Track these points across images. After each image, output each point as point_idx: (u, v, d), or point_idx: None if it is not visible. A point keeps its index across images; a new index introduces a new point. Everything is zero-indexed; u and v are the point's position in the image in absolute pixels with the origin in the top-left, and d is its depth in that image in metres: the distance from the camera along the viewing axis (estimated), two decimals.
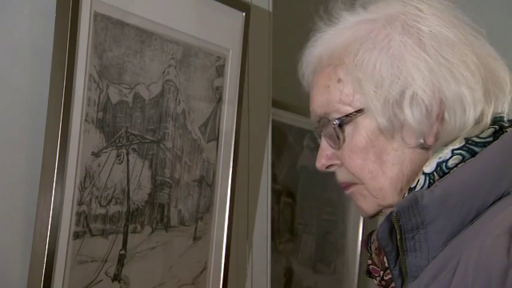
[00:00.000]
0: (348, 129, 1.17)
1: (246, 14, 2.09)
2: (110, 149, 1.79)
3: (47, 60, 1.67)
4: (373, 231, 1.22)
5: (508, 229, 0.97)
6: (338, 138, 1.17)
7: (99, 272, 1.77)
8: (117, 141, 1.80)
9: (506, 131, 1.13)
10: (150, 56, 1.84)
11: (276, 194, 2.51)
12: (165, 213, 1.92)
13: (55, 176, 1.65)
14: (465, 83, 1.09)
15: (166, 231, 1.91)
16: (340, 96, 1.16)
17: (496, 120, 1.13)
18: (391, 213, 1.08)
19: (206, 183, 2.03)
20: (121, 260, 1.82)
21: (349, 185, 1.21)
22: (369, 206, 1.20)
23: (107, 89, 1.77)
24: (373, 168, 1.16)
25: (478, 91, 1.09)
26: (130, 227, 1.84)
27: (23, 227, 1.67)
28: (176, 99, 1.92)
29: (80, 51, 1.69)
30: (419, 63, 1.10)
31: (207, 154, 2.02)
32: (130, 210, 1.83)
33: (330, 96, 1.17)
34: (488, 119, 1.10)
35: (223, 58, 2.04)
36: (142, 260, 1.85)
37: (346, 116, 1.16)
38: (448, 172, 1.10)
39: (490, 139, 1.10)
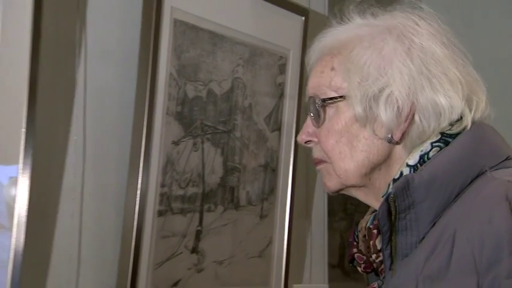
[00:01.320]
0: (329, 111, 1.17)
1: (305, 18, 2.12)
2: (188, 138, 1.82)
3: (134, 61, 1.73)
4: (357, 222, 1.21)
5: (505, 197, 1.00)
6: (319, 117, 1.17)
7: (179, 245, 1.80)
8: (193, 132, 1.83)
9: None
10: (221, 56, 1.87)
11: None
12: (235, 194, 1.94)
13: (141, 162, 1.69)
14: (442, 92, 1.10)
15: (236, 210, 1.94)
16: (330, 82, 1.16)
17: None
18: (389, 194, 1.08)
19: (270, 168, 2.05)
20: (198, 235, 1.85)
21: (320, 161, 1.20)
22: (333, 183, 1.19)
23: (185, 85, 1.80)
24: (343, 151, 1.16)
25: (456, 99, 1.10)
26: (205, 207, 1.87)
27: (115, 206, 1.72)
28: (244, 94, 1.95)
29: (161, 53, 1.73)
30: (403, 69, 1.11)
31: (271, 142, 2.04)
32: (205, 191, 1.86)
33: (321, 80, 1.18)
34: (468, 121, 1.11)
35: (285, 57, 2.07)
36: (216, 235, 1.88)
37: (330, 98, 1.17)
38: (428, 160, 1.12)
39: (461, 130, 1.11)
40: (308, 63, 1.25)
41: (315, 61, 1.22)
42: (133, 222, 1.69)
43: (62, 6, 1.63)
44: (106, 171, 1.73)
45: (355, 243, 1.18)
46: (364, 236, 1.15)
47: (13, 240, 1.45)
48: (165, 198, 1.78)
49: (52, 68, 1.59)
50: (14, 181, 1.49)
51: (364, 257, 1.17)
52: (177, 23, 1.77)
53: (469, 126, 1.11)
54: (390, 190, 1.08)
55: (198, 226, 1.86)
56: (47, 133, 1.59)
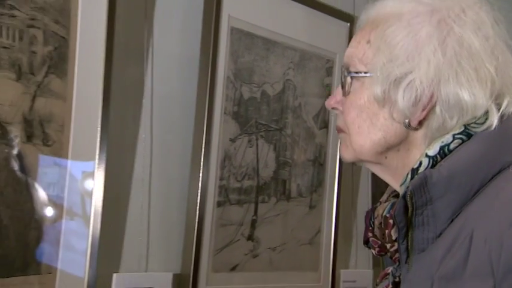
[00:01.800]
0: (356, 84, 1.09)
1: (350, 24, 2.13)
2: (243, 135, 1.86)
3: (195, 66, 1.76)
4: (375, 207, 1.14)
5: None
6: (345, 87, 1.10)
7: (237, 233, 1.84)
8: (248, 130, 1.87)
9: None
10: (273, 60, 1.91)
11: None
12: (286, 186, 1.97)
13: (202, 157, 1.73)
14: (468, 88, 1.01)
15: (288, 201, 1.97)
16: (362, 55, 1.08)
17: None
18: (406, 192, 1.01)
19: (319, 163, 2.08)
20: (253, 224, 1.88)
21: (341, 130, 1.14)
22: (348, 154, 1.13)
23: (241, 87, 1.84)
24: (362, 126, 1.08)
25: (481, 98, 1.01)
26: (260, 198, 1.90)
27: (179, 198, 1.76)
28: (294, 95, 1.98)
29: (219, 58, 1.77)
30: (432, 58, 1.01)
31: (319, 139, 2.07)
32: (260, 184, 1.89)
33: (355, 51, 1.10)
34: (493, 120, 1.01)
35: (332, 61, 2.09)
36: (269, 224, 1.91)
37: (356, 72, 1.09)
38: (450, 153, 1.03)
39: (493, 122, 1.02)
40: (355, 32, 1.17)
41: (357, 30, 1.14)
42: (195, 212, 1.72)
43: (131, 16, 1.66)
44: (171, 166, 1.75)
45: (370, 228, 1.12)
46: (380, 223, 1.09)
47: (91, 228, 1.48)
48: (224, 191, 1.80)
49: (123, 72, 1.63)
50: (87, 175, 1.51)
51: (379, 242, 1.11)
52: (233, 31, 1.80)
53: (494, 124, 1.01)
54: (408, 187, 1.01)
55: (253, 216, 1.88)
56: (119, 132, 1.62)
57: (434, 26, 1.03)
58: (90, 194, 1.50)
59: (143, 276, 1.67)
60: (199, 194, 1.72)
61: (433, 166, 1.02)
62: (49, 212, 1.45)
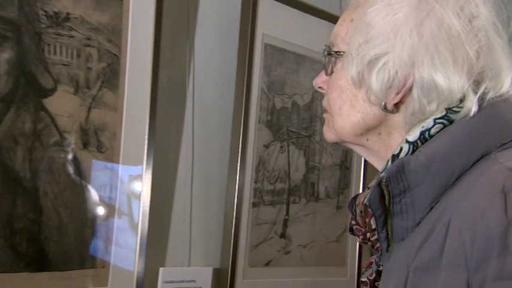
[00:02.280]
0: (338, 64, 1.00)
1: None
2: (276, 142, 1.87)
3: (232, 79, 1.78)
4: (357, 195, 1.06)
5: (502, 188, 0.81)
6: (327, 67, 1.02)
7: (270, 231, 1.85)
8: (280, 137, 1.88)
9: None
10: (303, 73, 1.92)
11: None
12: (315, 188, 1.97)
13: (239, 162, 1.74)
14: (443, 71, 0.90)
15: (317, 202, 1.97)
16: (344, 34, 0.99)
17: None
18: (381, 179, 0.91)
19: (345, 167, 2.07)
20: (285, 223, 1.89)
21: (325, 111, 1.05)
22: (330, 135, 1.04)
23: (273, 98, 1.85)
24: (342, 107, 0.99)
25: (456, 82, 0.90)
26: (291, 199, 1.91)
27: (218, 199, 1.77)
28: (322, 104, 1.99)
29: (254, 72, 1.78)
30: (408, 40, 0.91)
31: None
32: (291, 186, 1.90)
33: (339, 29, 1.01)
34: (470, 105, 0.91)
35: None
36: (300, 223, 1.91)
37: (336, 52, 1.00)
38: (430, 138, 0.93)
39: (470, 107, 0.91)
40: None
41: (346, 9, 1.04)
42: (233, 212, 1.73)
43: (175, 35, 1.68)
44: (210, 170, 1.77)
45: (353, 215, 1.04)
46: (361, 211, 1.01)
47: (139, 226, 1.50)
48: (258, 192, 1.81)
49: (168, 86, 1.64)
50: (136, 178, 1.52)
51: (363, 229, 1.03)
52: (267, 47, 1.82)
53: (472, 109, 0.90)
54: (382, 175, 0.92)
55: (285, 215, 1.89)
56: (164, 139, 1.63)
57: (414, 6, 0.93)
58: (138, 195, 1.52)
59: (186, 270, 1.68)
60: (236, 196, 1.73)
61: (413, 152, 0.92)
62: (102, 211, 1.47)
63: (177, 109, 1.70)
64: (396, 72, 0.92)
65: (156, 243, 1.61)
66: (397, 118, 0.96)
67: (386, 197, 0.91)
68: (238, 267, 1.75)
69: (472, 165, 0.89)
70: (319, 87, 1.06)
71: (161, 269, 1.62)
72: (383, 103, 0.95)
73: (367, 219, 1.01)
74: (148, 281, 1.56)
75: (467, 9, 0.93)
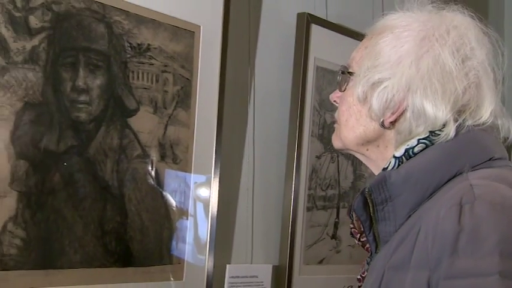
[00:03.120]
0: (350, 83, 1.05)
1: None
2: (327, 153, 1.88)
3: (288, 98, 1.80)
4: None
5: (458, 201, 0.85)
6: (341, 84, 1.07)
7: (322, 233, 1.86)
8: (331, 149, 1.86)
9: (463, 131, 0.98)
10: None
11: None
12: None
13: (294, 170, 1.76)
14: (432, 100, 0.95)
15: None
16: (358, 58, 1.04)
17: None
18: (364, 188, 0.96)
19: None
20: (336, 225, 1.90)
21: (335, 121, 1.10)
22: (336, 143, 1.09)
23: (324, 114, 1.86)
24: (348, 119, 1.04)
25: (442, 110, 0.95)
26: (341, 204, 1.91)
27: (276, 204, 1.79)
28: None
29: (307, 91, 1.80)
30: (407, 71, 0.96)
31: None
32: (340, 193, 1.91)
33: (356, 54, 1.06)
34: (449, 130, 0.96)
35: None
36: (349, 225, 1.90)
37: (348, 72, 1.06)
38: (414, 156, 0.97)
39: (449, 133, 0.96)
40: None
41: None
42: (289, 215, 1.74)
43: (238, 62, 1.70)
44: (269, 178, 1.78)
45: (351, 220, 1.08)
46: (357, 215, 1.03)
47: (208, 227, 1.53)
48: (312, 198, 1.82)
49: (232, 104, 1.66)
50: (205, 185, 1.54)
51: (358, 234, 1.07)
52: (318, 69, 1.82)
53: (450, 134, 0.95)
54: (366, 185, 0.97)
55: (336, 218, 1.89)
56: (229, 151, 1.65)
57: (417, 42, 0.98)
58: (207, 200, 1.54)
59: (249, 267, 1.70)
60: (292, 201, 1.74)
61: (398, 166, 0.97)
62: (177, 215, 1.49)
63: (240, 125, 1.72)
64: (393, 95, 0.97)
65: (223, 243, 1.63)
66: (392, 135, 1.01)
67: (370, 204, 0.96)
68: (294, 264, 1.75)
69: (446, 182, 0.94)
70: (334, 101, 1.11)
71: (228, 265, 1.64)
72: (381, 120, 1.00)
73: (358, 223, 1.04)
74: (217, 276, 1.58)
75: (463, 51, 0.98)
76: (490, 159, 0.96)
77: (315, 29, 1.81)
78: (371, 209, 0.97)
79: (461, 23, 1.01)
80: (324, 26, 1.84)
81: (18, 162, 1.22)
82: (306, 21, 1.77)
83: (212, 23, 1.56)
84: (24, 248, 1.23)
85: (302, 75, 1.78)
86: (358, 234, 1.06)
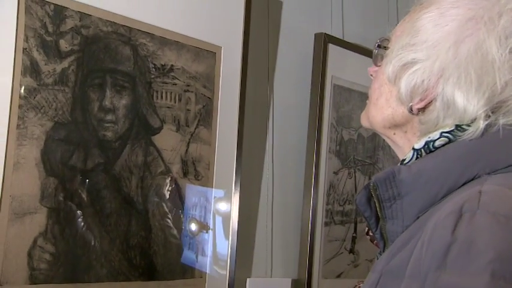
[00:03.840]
0: (385, 59, 0.94)
1: None
2: (344, 169, 1.88)
3: (306, 114, 1.81)
4: None
5: (459, 208, 0.74)
6: (377, 58, 0.96)
7: (340, 247, 1.87)
8: (348, 164, 1.89)
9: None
10: None
11: None
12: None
13: (312, 186, 1.77)
14: (465, 91, 0.83)
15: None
16: (399, 32, 0.93)
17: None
18: (369, 183, 0.86)
19: None
20: (353, 240, 1.90)
21: (368, 97, 0.99)
22: (364, 121, 0.99)
23: (341, 131, 1.87)
24: (379, 98, 0.94)
25: (473, 105, 0.83)
26: (358, 219, 1.91)
27: (295, 218, 1.79)
28: None
29: (325, 109, 1.81)
30: (442, 55, 0.85)
31: None
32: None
33: (398, 28, 0.94)
34: (477, 128, 0.83)
35: None
36: (366, 240, 1.73)
37: (384, 47, 0.94)
38: (434, 151, 0.86)
39: (476, 130, 0.84)
40: None
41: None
42: (308, 229, 1.75)
43: (257, 80, 1.71)
44: (288, 193, 1.78)
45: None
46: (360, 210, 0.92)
47: (229, 241, 1.54)
48: (329, 213, 1.82)
49: (252, 122, 1.68)
50: (226, 200, 1.55)
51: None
52: (335, 87, 1.84)
53: (477, 132, 0.83)
54: (371, 179, 0.87)
55: (353, 233, 1.89)
56: (249, 167, 1.66)
57: (462, 22, 0.85)
58: (228, 215, 1.55)
59: (269, 280, 1.70)
60: (310, 216, 1.75)
61: (417, 159, 0.87)
62: (199, 229, 1.50)
63: (259, 142, 1.73)
64: (423, 80, 0.87)
65: (243, 257, 1.64)
66: (419, 123, 0.90)
67: (376, 200, 0.86)
68: (313, 278, 1.76)
69: (462, 185, 0.82)
70: (371, 75, 1.00)
71: (248, 279, 1.65)
72: (410, 105, 0.89)
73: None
74: None
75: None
76: None
77: (332, 48, 1.83)
78: (377, 205, 0.86)
79: None
80: (340, 46, 1.86)
81: (48, 179, 1.26)
82: (323, 41, 1.80)
83: (232, 43, 1.59)
84: (54, 262, 1.26)
85: (320, 93, 1.79)
86: (367, 228, 0.95)
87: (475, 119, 0.83)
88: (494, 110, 0.84)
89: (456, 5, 0.87)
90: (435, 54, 0.85)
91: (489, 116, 0.83)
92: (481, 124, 0.83)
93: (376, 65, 0.97)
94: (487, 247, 0.69)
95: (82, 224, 1.31)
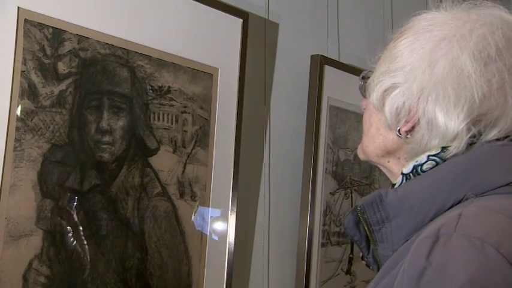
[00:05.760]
0: (370, 88, 0.94)
1: None
2: (340, 189, 1.87)
3: (302, 135, 1.80)
4: None
5: (436, 232, 0.73)
6: (363, 91, 0.97)
7: (337, 268, 1.84)
8: (344, 185, 1.88)
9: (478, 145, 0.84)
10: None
11: None
12: None
13: (309, 207, 1.76)
14: (444, 108, 0.83)
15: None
16: (380, 61, 0.93)
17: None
18: (355, 206, 0.86)
19: None
20: (350, 261, 1.88)
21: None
22: (360, 153, 0.99)
23: (338, 152, 1.86)
24: (370, 128, 0.94)
25: (453, 120, 0.82)
26: None
27: (291, 239, 1.78)
28: None
29: (321, 130, 1.80)
30: (419, 76, 0.85)
31: None
32: None
33: (381, 57, 0.94)
34: (461, 141, 0.83)
35: None
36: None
37: (368, 77, 0.94)
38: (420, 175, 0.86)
39: (459, 145, 0.83)
40: None
41: None
42: (304, 250, 1.73)
43: (254, 101, 1.69)
44: (284, 214, 1.77)
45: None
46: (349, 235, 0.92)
47: (226, 261, 1.53)
48: (326, 234, 1.81)
49: (249, 143, 1.67)
50: (223, 221, 1.54)
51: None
52: (331, 108, 1.84)
53: (459, 148, 0.83)
54: (358, 203, 0.87)
55: (350, 254, 1.87)
56: (245, 188, 1.65)
57: (436, 44, 0.86)
58: (225, 236, 1.54)
59: None
60: (307, 237, 1.74)
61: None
62: (195, 250, 1.48)
63: (256, 163, 1.73)
64: (404, 102, 0.87)
65: (240, 277, 1.62)
66: (408, 148, 0.90)
67: (364, 224, 0.86)
68: None
69: (450, 207, 0.81)
70: (364, 108, 1.00)
71: None
72: (398, 128, 0.89)
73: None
74: None
75: (486, 53, 0.84)
76: (508, 184, 0.81)
77: (328, 69, 1.83)
78: (366, 229, 0.86)
79: (490, 21, 0.86)
80: (336, 67, 1.86)
81: (44, 201, 1.25)
82: (319, 63, 1.80)
83: (229, 65, 1.59)
84: (49, 285, 1.25)
85: (316, 114, 1.79)
86: (361, 254, 0.94)
87: (457, 135, 0.83)
88: (475, 123, 0.83)
89: (429, 29, 0.88)
90: (413, 76, 0.86)
91: (471, 130, 0.83)
92: (464, 138, 0.83)
93: (364, 97, 0.98)
94: (459, 271, 0.68)
95: (78, 246, 1.29)
